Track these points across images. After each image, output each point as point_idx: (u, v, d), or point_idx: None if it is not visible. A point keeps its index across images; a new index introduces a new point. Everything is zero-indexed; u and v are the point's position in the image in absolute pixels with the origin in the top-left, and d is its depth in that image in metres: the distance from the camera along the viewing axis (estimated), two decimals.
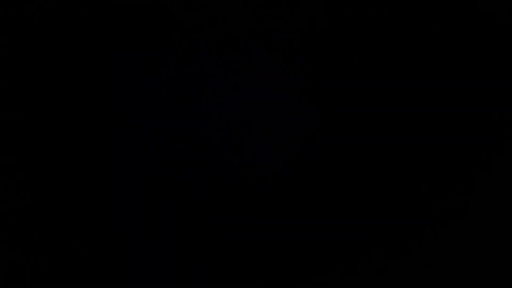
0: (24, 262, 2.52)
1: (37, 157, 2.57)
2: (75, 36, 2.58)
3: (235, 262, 2.56)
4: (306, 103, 2.59)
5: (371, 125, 2.61)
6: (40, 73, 2.59)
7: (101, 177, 2.56)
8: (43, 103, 2.58)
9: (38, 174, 2.56)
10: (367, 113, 2.61)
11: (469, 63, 2.62)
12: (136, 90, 2.58)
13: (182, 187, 2.57)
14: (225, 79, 2.59)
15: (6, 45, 2.57)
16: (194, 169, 2.58)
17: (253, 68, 2.59)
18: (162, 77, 2.58)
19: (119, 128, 2.58)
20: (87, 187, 2.56)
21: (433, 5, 2.61)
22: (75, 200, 2.56)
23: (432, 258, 2.55)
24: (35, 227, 2.54)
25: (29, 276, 2.51)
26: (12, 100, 2.58)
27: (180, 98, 2.58)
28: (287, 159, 2.58)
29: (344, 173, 2.59)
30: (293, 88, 2.59)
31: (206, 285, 2.54)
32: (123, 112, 2.58)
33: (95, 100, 2.58)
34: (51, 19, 2.57)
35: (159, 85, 2.58)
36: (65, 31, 2.58)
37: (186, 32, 2.59)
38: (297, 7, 2.59)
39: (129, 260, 2.53)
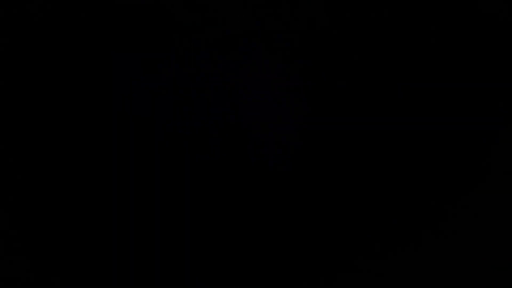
0: (24, 262, 2.52)
1: (37, 157, 2.57)
2: (75, 36, 2.58)
3: (235, 262, 2.56)
4: (306, 103, 2.59)
5: (371, 124, 2.61)
6: (40, 73, 2.59)
7: (101, 177, 2.57)
8: (43, 103, 2.59)
9: (38, 174, 2.56)
10: (367, 113, 2.61)
11: (469, 63, 2.62)
12: (136, 90, 2.58)
13: (183, 187, 2.57)
14: (225, 79, 2.59)
15: (6, 45, 2.57)
16: (194, 169, 2.58)
17: (253, 68, 2.59)
18: (162, 77, 2.58)
19: (119, 128, 2.58)
20: (87, 187, 2.56)
21: (433, 5, 2.62)
22: (75, 200, 2.56)
23: (431, 258, 2.56)
24: (35, 226, 2.55)
25: (29, 276, 2.52)
26: (12, 100, 2.58)
27: (180, 98, 2.58)
28: (287, 159, 2.59)
29: (344, 172, 2.60)
30: (293, 88, 2.60)
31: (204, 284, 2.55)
32: (123, 112, 2.58)
33: (95, 100, 2.58)
34: (51, 19, 2.57)
35: (159, 85, 2.58)
36: (65, 31, 2.58)
37: (186, 32, 2.59)
38: (297, 7, 2.59)
39: (129, 260, 2.54)
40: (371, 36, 2.61)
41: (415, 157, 2.60)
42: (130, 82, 2.58)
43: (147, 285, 2.52)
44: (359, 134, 2.60)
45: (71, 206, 2.56)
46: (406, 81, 2.62)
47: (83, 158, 2.57)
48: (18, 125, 2.58)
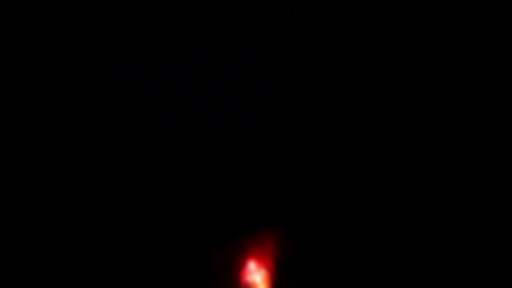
0: (24, 262, 2.52)
1: (37, 157, 2.57)
2: (75, 36, 2.58)
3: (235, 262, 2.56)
4: (306, 103, 2.59)
5: (371, 124, 2.61)
6: (41, 73, 2.59)
7: (101, 176, 2.56)
8: (43, 103, 2.58)
9: (38, 173, 2.56)
10: (367, 113, 2.61)
11: (469, 63, 2.62)
12: (136, 90, 2.58)
13: (183, 186, 2.57)
14: (225, 79, 2.59)
15: (6, 45, 2.57)
16: (194, 169, 2.58)
17: (253, 68, 2.58)
18: (162, 77, 2.58)
19: (119, 128, 2.58)
20: (87, 187, 2.56)
21: (433, 5, 2.61)
22: (75, 199, 2.56)
23: (431, 258, 2.56)
24: (35, 226, 2.54)
25: (29, 276, 2.51)
26: (12, 100, 2.58)
27: (180, 98, 2.58)
28: (287, 158, 2.58)
29: (344, 172, 2.59)
30: (293, 88, 2.59)
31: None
32: (123, 112, 2.58)
33: (95, 100, 2.58)
34: (51, 19, 2.57)
35: (159, 85, 2.58)
36: (65, 31, 2.58)
37: (186, 32, 2.59)
38: (297, 7, 2.59)
39: (129, 260, 2.53)
40: (371, 36, 2.61)
41: (415, 157, 2.59)
42: (130, 82, 2.58)
43: (147, 285, 2.52)
44: (359, 134, 2.60)
45: (71, 206, 2.56)
46: (406, 81, 2.62)
47: (83, 158, 2.57)
48: (18, 125, 2.57)
